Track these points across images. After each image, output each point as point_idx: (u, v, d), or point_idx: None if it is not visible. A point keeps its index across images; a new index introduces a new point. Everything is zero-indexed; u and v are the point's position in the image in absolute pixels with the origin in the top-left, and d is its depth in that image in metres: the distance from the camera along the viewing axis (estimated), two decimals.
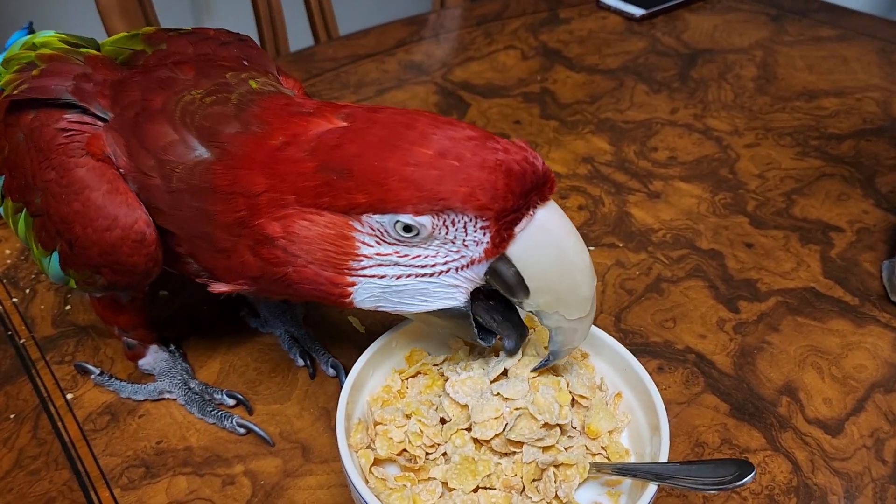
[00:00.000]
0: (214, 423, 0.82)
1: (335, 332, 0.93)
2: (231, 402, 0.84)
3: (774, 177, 1.21)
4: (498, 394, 0.65)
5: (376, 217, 0.60)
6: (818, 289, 0.99)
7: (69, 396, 0.86)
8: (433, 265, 0.62)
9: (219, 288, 0.70)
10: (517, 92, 1.40)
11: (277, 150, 0.62)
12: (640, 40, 1.63)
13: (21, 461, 0.79)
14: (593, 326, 0.76)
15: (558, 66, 1.52)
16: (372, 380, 0.73)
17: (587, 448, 0.67)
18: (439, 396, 0.70)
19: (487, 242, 0.60)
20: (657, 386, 0.69)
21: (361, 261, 0.62)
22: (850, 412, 0.84)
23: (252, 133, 0.63)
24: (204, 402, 0.83)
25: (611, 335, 0.74)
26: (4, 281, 1.01)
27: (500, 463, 0.63)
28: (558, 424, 0.64)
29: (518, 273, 0.62)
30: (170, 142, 0.66)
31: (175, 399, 0.85)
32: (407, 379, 0.73)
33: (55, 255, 0.74)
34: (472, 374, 0.69)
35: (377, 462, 0.66)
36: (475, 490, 0.63)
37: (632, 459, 0.68)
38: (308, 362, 0.88)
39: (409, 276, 0.63)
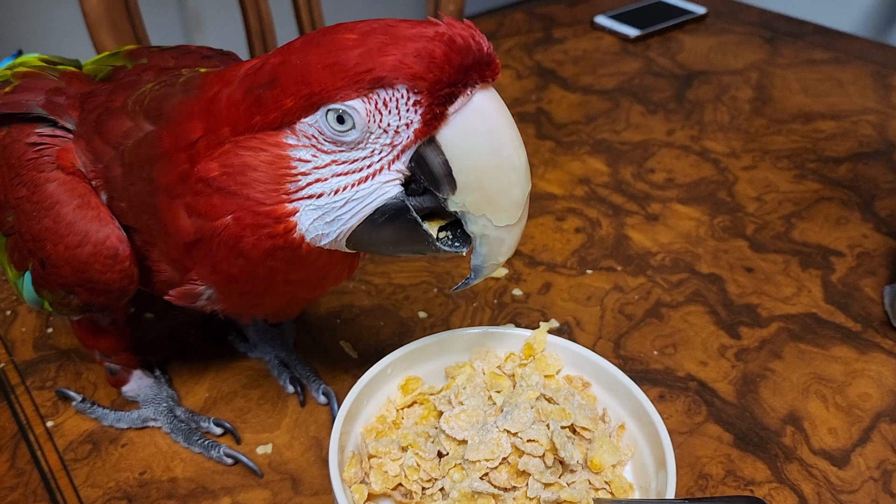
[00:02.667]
0: (201, 453, 0.79)
1: (326, 357, 0.90)
2: (218, 430, 0.81)
3: (773, 199, 1.19)
4: (505, 430, 0.62)
5: (308, 120, 0.57)
6: (820, 314, 0.98)
7: (49, 424, 0.82)
8: (369, 165, 0.58)
9: (174, 292, 0.68)
10: (512, 111, 1.37)
11: (212, 97, 0.60)
12: (634, 61, 1.62)
13: None
14: (594, 355, 0.74)
15: (553, 86, 1.51)
16: (366, 409, 0.70)
17: (590, 483, 0.64)
18: (436, 428, 0.67)
19: (419, 121, 0.56)
20: (659, 415, 0.67)
21: (299, 180, 0.58)
22: (856, 442, 0.81)
23: (192, 95, 0.62)
24: (190, 431, 0.80)
25: (611, 362, 0.72)
26: None
27: (502, 498, 0.61)
28: (560, 459, 0.62)
29: (447, 163, 0.57)
30: (125, 130, 0.66)
31: (160, 427, 0.81)
32: (402, 409, 0.70)
33: (28, 276, 0.71)
34: (465, 406, 0.67)
35: (371, 497, 0.63)
36: None
37: (636, 494, 0.66)
38: (298, 389, 0.85)
39: (345, 187, 0.59)
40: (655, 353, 0.92)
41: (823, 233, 1.12)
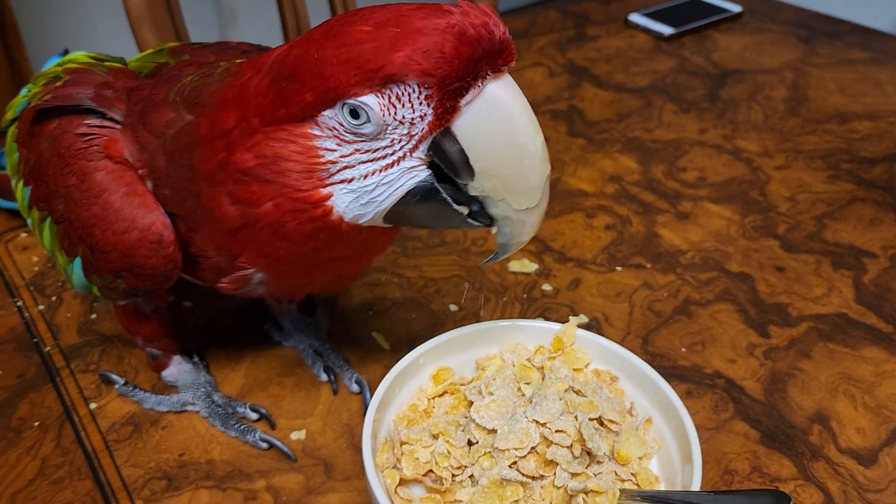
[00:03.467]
0: (237, 437, 0.81)
1: (358, 348, 0.92)
2: (254, 416, 0.83)
3: (805, 200, 1.19)
4: (534, 420, 0.64)
5: (328, 113, 0.58)
6: (851, 315, 0.97)
7: (93, 406, 0.85)
8: (392, 153, 0.60)
9: (226, 280, 0.70)
10: (544, 109, 1.40)
11: (243, 85, 0.62)
12: (668, 59, 1.62)
13: (44, 470, 0.78)
14: (623, 349, 0.75)
15: (586, 84, 1.51)
16: (398, 398, 0.72)
17: (616, 474, 0.66)
18: (466, 417, 0.69)
19: (431, 114, 0.57)
20: (686, 409, 0.68)
21: (328, 167, 0.60)
22: (884, 442, 0.81)
23: (226, 83, 0.64)
24: (227, 416, 0.82)
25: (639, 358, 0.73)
26: (31, 288, 1.01)
27: (530, 486, 0.62)
28: (587, 450, 0.63)
29: (463, 151, 0.59)
30: (168, 120, 0.69)
31: (198, 411, 0.84)
32: (433, 398, 0.72)
33: (78, 262, 0.74)
34: (495, 397, 0.68)
35: (402, 482, 0.65)
36: None
37: (661, 487, 0.67)
38: (332, 378, 0.87)
39: (373, 172, 0.60)
40: (683, 349, 0.92)
41: (856, 234, 1.11)
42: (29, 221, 0.82)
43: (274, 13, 1.69)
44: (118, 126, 0.72)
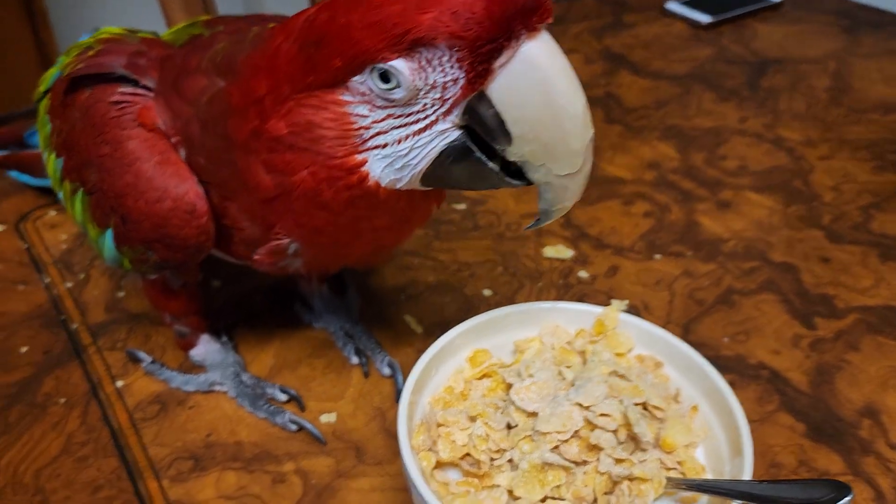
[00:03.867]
0: (266, 418, 0.79)
1: (390, 331, 0.90)
2: (283, 397, 0.81)
3: (850, 190, 1.15)
4: (577, 403, 0.61)
5: (358, 78, 0.56)
6: None
7: (119, 384, 0.84)
8: (425, 118, 0.57)
9: (261, 251, 0.68)
10: None
11: (274, 51, 0.60)
12: (706, 47, 1.58)
13: (69, 447, 0.77)
14: (668, 334, 0.72)
15: (623, 71, 1.48)
16: (433, 380, 0.70)
17: (661, 462, 0.63)
18: (504, 401, 0.66)
19: (464, 78, 0.54)
20: (736, 398, 0.65)
21: (361, 133, 0.58)
22: None
23: (258, 49, 0.62)
24: (256, 397, 0.81)
25: None
26: (59, 266, 1.00)
27: (572, 471, 0.59)
28: (633, 436, 0.60)
29: (498, 115, 0.56)
30: (201, 87, 0.67)
31: (226, 392, 0.82)
32: (470, 381, 0.69)
33: (109, 234, 0.73)
34: (535, 379, 0.65)
35: (438, 465, 0.63)
36: (542, 500, 0.59)
37: (708, 476, 0.64)
38: (363, 360, 0.85)
39: (406, 137, 0.58)
40: (726, 339, 0.89)
41: None
42: (60, 194, 0.81)
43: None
44: (151, 94, 0.71)
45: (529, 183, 0.60)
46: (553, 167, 0.57)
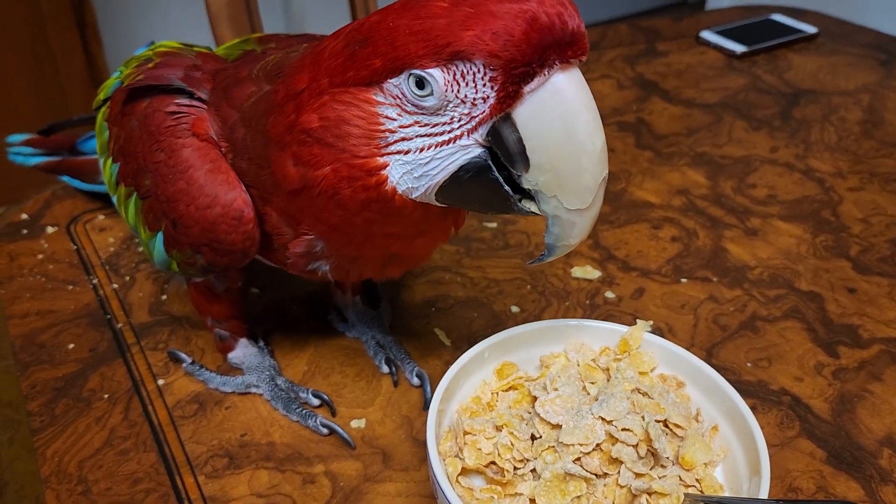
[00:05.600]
0: (298, 421, 0.83)
1: (420, 343, 0.93)
2: (316, 401, 0.84)
3: (880, 223, 1.16)
4: (600, 417, 0.63)
5: (393, 80, 0.59)
6: None
7: (160, 382, 0.88)
8: (450, 131, 0.60)
9: (294, 248, 0.71)
10: (612, 121, 1.39)
11: (321, 50, 0.64)
12: (739, 77, 1.60)
13: (112, 440, 0.81)
14: (691, 355, 0.74)
15: (655, 98, 1.50)
16: (461, 390, 0.72)
17: (680, 478, 0.65)
18: (529, 413, 0.69)
19: (494, 97, 0.57)
20: (756, 420, 0.67)
21: (386, 136, 0.61)
22: None
23: (307, 53, 0.66)
24: (289, 400, 0.84)
25: None
26: (107, 268, 1.04)
27: (593, 483, 0.62)
28: (653, 451, 0.63)
29: (521, 140, 0.58)
30: (249, 93, 0.71)
31: (261, 394, 0.86)
32: (497, 392, 0.72)
33: (160, 237, 0.77)
34: (560, 392, 0.68)
35: (464, 471, 0.65)
36: None
37: (726, 495, 0.66)
38: (393, 370, 0.88)
39: (429, 146, 0.61)
40: (749, 364, 0.91)
41: None
42: (114, 198, 0.85)
43: (343, 20, 1.72)
44: (204, 105, 0.75)
45: (538, 214, 0.62)
46: (564, 200, 0.59)
